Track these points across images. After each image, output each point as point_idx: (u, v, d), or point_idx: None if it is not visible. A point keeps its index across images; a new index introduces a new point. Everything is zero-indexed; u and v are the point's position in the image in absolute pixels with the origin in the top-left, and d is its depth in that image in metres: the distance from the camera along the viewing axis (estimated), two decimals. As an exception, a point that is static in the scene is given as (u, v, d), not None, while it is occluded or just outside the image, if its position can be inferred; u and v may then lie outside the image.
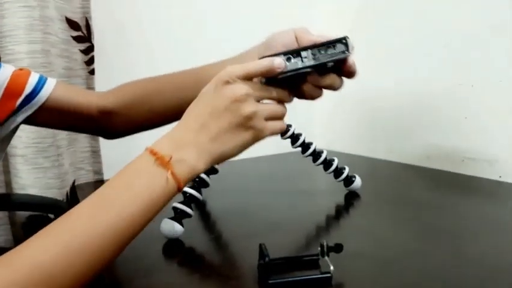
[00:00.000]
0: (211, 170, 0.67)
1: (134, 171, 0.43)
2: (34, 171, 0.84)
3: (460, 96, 0.93)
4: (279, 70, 0.45)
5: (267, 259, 0.46)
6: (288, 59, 0.46)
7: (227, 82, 0.45)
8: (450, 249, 0.55)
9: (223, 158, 0.46)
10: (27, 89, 0.60)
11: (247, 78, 0.45)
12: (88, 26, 0.93)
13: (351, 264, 0.51)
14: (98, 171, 1.00)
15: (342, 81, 0.50)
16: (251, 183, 0.94)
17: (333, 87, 0.49)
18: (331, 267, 0.46)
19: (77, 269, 0.37)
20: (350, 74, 0.49)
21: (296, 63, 0.46)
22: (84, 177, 0.99)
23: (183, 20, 1.14)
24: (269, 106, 0.47)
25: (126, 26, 1.05)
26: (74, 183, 0.95)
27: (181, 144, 0.44)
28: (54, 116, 0.63)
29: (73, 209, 0.41)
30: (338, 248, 0.49)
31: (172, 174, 0.42)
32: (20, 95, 0.60)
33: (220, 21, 1.16)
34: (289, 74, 0.46)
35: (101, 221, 0.39)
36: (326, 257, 0.48)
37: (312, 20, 1.34)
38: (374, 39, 1.14)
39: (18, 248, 0.37)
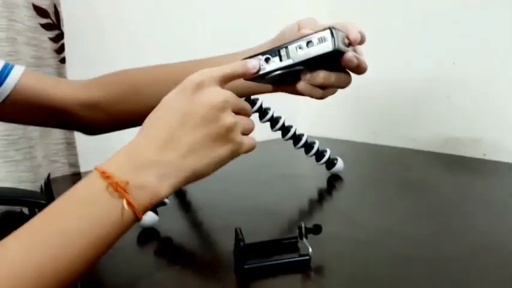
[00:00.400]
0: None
1: (82, 199, 0.36)
2: (5, 165, 0.81)
3: (441, 75, 0.92)
4: (253, 71, 0.42)
5: (242, 244, 0.44)
6: (267, 60, 0.42)
7: (201, 86, 0.38)
8: (433, 228, 0.54)
9: (194, 178, 0.38)
10: None
11: (224, 82, 0.40)
12: (57, 13, 0.90)
13: (330, 246, 0.49)
14: (74, 164, 0.96)
15: (347, 77, 0.45)
16: (231, 171, 0.91)
17: (334, 85, 0.45)
18: (310, 250, 0.45)
19: None
20: (354, 69, 0.44)
21: (274, 63, 0.42)
22: (60, 170, 0.96)
23: (162, 3, 1.10)
24: (244, 118, 0.41)
25: (99, 11, 1.01)
26: (48, 176, 0.92)
27: (142, 164, 0.36)
28: (23, 109, 0.56)
29: (10, 236, 0.33)
30: (316, 229, 0.47)
31: (129, 203, 0.35)
32: None
33: (199, 2, 1.13)
34: (273, 74, 0.43)
35: (35, 257, 0.32)
36: (304, 239, 0.46)
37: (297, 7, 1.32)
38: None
39: None
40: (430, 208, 0.61)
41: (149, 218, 0.58)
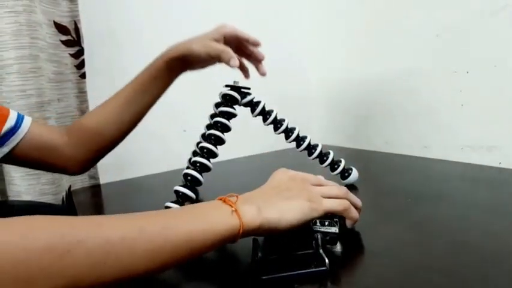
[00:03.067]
0: (204, 167, 0.66)
1: (197, 207, 0.45)
2: (27, 178, 0.83)
3: (455, 84, 0.91)
4: None
5: (260, 255, 0.45)
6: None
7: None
8: (449, 238, 0.54)
9: (280, 217, 0.46)
10: (10, 121, 0.63)
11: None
12: (77, 30, 0.93)
13: (347, 257, 0.50)
14: (94, 176, 0.99)
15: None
16: (247, 181, 0.92)
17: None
18: (327, 261, 0.45)
19: (135, 259, 0.37)
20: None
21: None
22: (80, 182, 0.98)
23: (176, 21, 1.13)
24: (326, 187, 0.53)
25: (117, 28, 1.04)
26: (69, 188, 0.94)
27: (249, 198, 0.47)
28: (32, 152, 0.67)
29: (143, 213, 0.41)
30: (332, 241, 0.47)
31: (236, 211, 0.44)
32: (4, 123, 0.63)
33: (211, 20, 1.15)
34: None
35: (173, 228, 0.40)
36: (321, 251, 0.47)
37: (299, 16, 1.34)
38: (365, 29, 1.13)
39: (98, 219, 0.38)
40: (445, 218, 0.61)
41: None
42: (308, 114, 1.36)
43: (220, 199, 0.46)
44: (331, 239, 0.47)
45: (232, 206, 0.44)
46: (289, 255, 0.49)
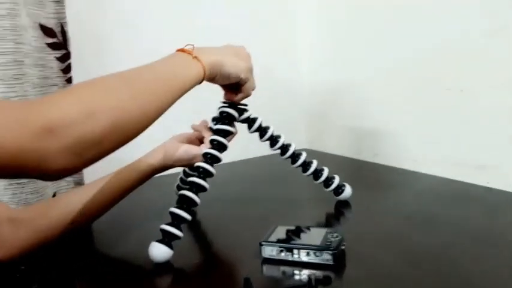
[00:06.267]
0: (199, 187, 0.64)
1: (162, 60, 0.56)
2: (10, 188, 0.81)
3: (448, 101, 0.91)
4: None
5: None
6: None
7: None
8: (434, 267, 0.53)
9: (231, 62, 0.61)
10: None
11: None
12: (64, 33, 0.89)
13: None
14: (79, 182, 0.96)
15: None
16: (241, 190, 0.92)
17: None
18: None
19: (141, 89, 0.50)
20: None
21: None
22: (65, 188, 0.96)
23: (166, 24, 1.10)
24: None
25: (105, 32, 1.01)
26: (54, 195, 0.92)
27: (204, 48, 0.59)
28: None
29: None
30: (326, 280, 0.47)
31: (196, 58, 0.56)
32: None
33: (202, 24, 1.13)
34: None
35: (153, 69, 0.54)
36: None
37: (295, 20, 1.32)
38: (359, 39, 1.11)
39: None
40: (433, 245, 0.60)
41: (163, 253, 0.58)
42: (296, 119, 1.35)
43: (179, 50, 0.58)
44: (324, 277, 0.47)
45: (191, 54, 0.57)
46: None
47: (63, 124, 0.41)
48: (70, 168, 0.43)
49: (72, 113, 0.42)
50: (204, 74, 0.57)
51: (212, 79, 0.61)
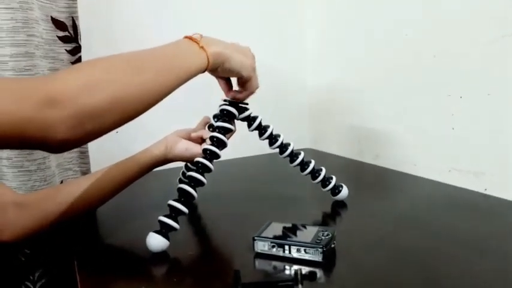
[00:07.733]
0: (197, 182, 0.66)
1: (168, 45, 0.58)
2: (19, 175, 0.84)
3: (448, 107, 0.92)
4: None
5: (239, 287, 0.46)
6: None
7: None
8: (425, 275, 0.55)
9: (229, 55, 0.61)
10: None
11: None
12: (75, 26, 0.92)
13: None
14: (86, 172, 0.99)
15: None
16: (239, 187, 0.94)
17: None
18: (305, 296, 0.46)
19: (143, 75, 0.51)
20: None
21: None
22: (72, 177, 0.99)
23: (175, 18, 1.12)
24: None
25: (115, 26, 1.03)
26: (61, 183, 0.95)
27: (212, 39, 0.61)
28: None
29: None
30: (312, 275, 0.49)
31: (202, 47, 0.58)
32: None
33: (211, 22, 1.14)
34: None
35: (155, 51, 0.55)
36: (300, 286, 0.48)
37: (301, 22, 1.33)
38: (362, 42, 1.12)
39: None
40: (425, 250, 0.62)
41: (160, 243, 0.60)
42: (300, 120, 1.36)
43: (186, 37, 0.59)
44: (310, 273, 0.48)
45: (198, 42, 0.58)
46: (269, 285, 0.50)
47: (65, 95, 0.43)
48: (72, 139, 0.45)
49: (74, 86, 0.44)
50: (208, 63, 0.58)
51: (214, 70, 0.62)
